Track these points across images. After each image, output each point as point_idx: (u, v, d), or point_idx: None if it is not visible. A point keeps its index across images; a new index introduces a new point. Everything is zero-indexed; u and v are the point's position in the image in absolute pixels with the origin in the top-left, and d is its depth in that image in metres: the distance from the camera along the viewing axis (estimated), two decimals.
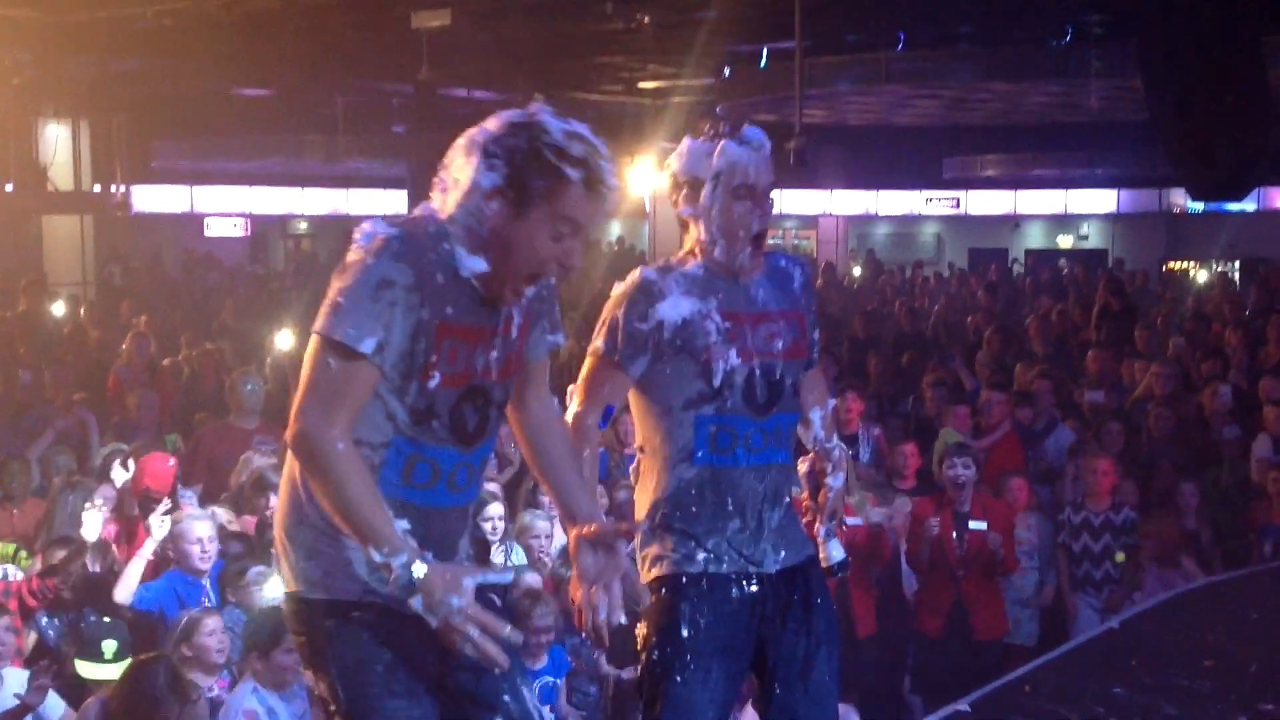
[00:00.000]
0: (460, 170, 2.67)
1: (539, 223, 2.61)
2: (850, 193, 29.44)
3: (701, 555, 3.20)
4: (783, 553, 3.28)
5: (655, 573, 3.24)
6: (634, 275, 3.27)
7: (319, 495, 2.57)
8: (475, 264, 2.64)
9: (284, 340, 10.66)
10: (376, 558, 2.49)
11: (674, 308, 3.17)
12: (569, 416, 3.20)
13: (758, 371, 3.20)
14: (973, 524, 6.45)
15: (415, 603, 2.48)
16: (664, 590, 3.22)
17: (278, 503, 2.80)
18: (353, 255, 2.61)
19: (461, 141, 2.70)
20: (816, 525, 3.50)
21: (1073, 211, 30.58)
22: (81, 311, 14.46)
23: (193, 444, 7.78)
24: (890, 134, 24.56)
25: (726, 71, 18.46)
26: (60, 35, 13.98)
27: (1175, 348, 10.37)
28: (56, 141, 17.59)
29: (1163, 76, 9.10)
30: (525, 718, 2.82)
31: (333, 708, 2.71)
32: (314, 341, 2.59)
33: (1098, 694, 4.88)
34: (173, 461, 6.49)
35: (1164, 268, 26.10)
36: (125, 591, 5.33)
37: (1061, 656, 5.57)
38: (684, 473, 3.22)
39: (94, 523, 5.56)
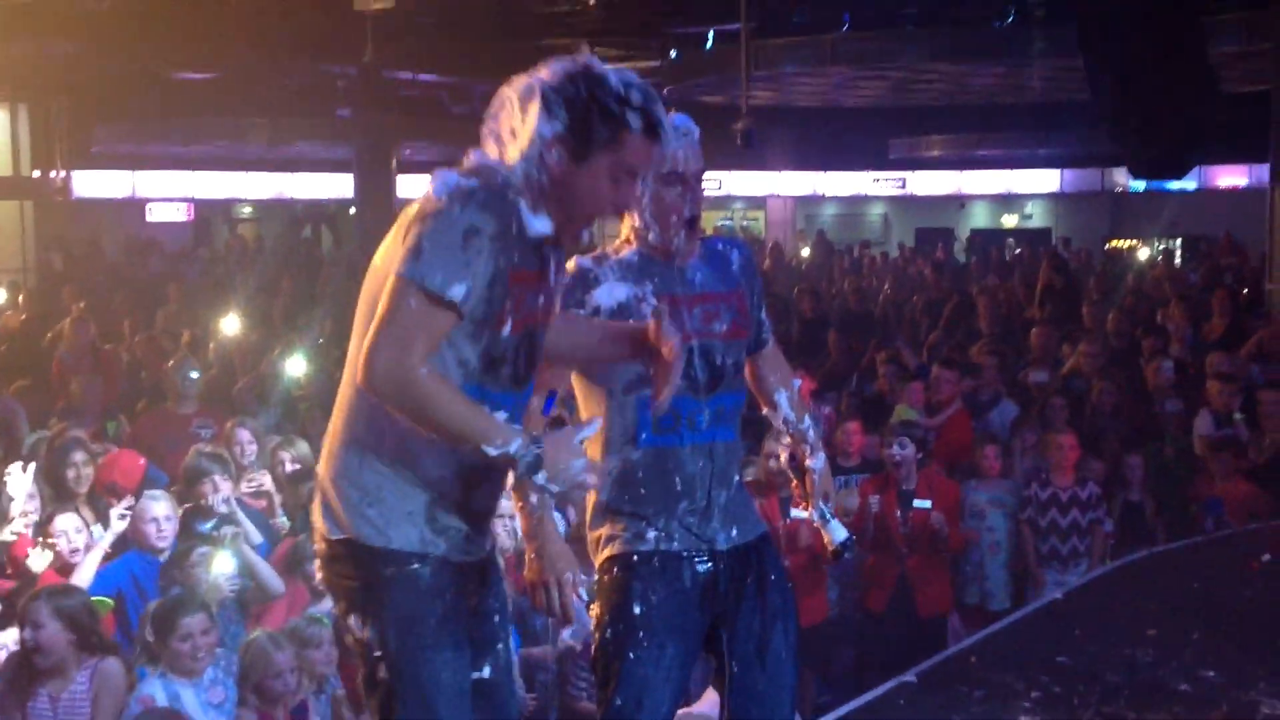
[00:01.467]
0: (516, 120, 2.72)
1: (600, 169, 2.70)
2: (798, 173, 29.52)
3: (652, 534, 3.21)
4: (734, 530, 3.28)
5: (607, 552, 3.25)
6: (569, 264, 3.24)
7: (414, 421, 2.62)
8: (541, 225, 2.72)
9: (229, 325, 10.58)
10: (493, 452, 2.60)
11: (609, 293, 3.20)
12: None
13: (697, 353, 3.21)
14: (917, 503, 6.51)
15: (539, 478, 2.62)
16: (616, 569, 3.22)
17: (326, 449, 2.82)
18: (433, 204, 2.64)
19: (512, 91, 2.74)
20: (809, 512, 3.47)
21: (1017, 191, 30.86)
22: (20, 299, 14.25)
23: (132, 431, 7.73)
24: (837, 115, 24.66)
25: (673, 54, 18.48)
26: None
27: (1113, 323, 10.51)
28: None
29: (1103, 56, 9.20)
30: (508, 669, 2.97)
31: (377, 654, 2.75)
32: (395, 283, 2.61)
33: (1043, 663, 4.95)
34: (143, 460, 6.46)
35: (1106, 246, 26.39)
36: (81, 581, 5.30)
37: (1007, 627, 5.64)
38: (629, 454, 3.23)
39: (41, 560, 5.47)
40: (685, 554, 3.22)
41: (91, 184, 23.76)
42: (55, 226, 21.59)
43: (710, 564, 3.25)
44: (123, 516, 5.58)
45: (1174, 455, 7.83)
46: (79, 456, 6.06)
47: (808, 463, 3.45)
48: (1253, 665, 4.96)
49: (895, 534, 6.47)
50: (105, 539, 5.50)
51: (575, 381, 3.31)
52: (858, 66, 17.89)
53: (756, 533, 3.35)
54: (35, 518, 5.64)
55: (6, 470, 5.60)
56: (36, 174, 18.07)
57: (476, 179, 2.68)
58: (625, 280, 3.22)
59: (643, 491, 3.22)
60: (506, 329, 2.70)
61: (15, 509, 5.46)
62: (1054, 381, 9.01)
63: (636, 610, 3.17)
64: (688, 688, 3.50)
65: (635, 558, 3.21)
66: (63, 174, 18.41)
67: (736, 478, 3.34)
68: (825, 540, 3.49)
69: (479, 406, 2.65)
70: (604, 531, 3.27)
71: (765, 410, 3.50)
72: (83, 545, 5.45)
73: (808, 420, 3.49)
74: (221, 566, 5.27)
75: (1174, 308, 10.60)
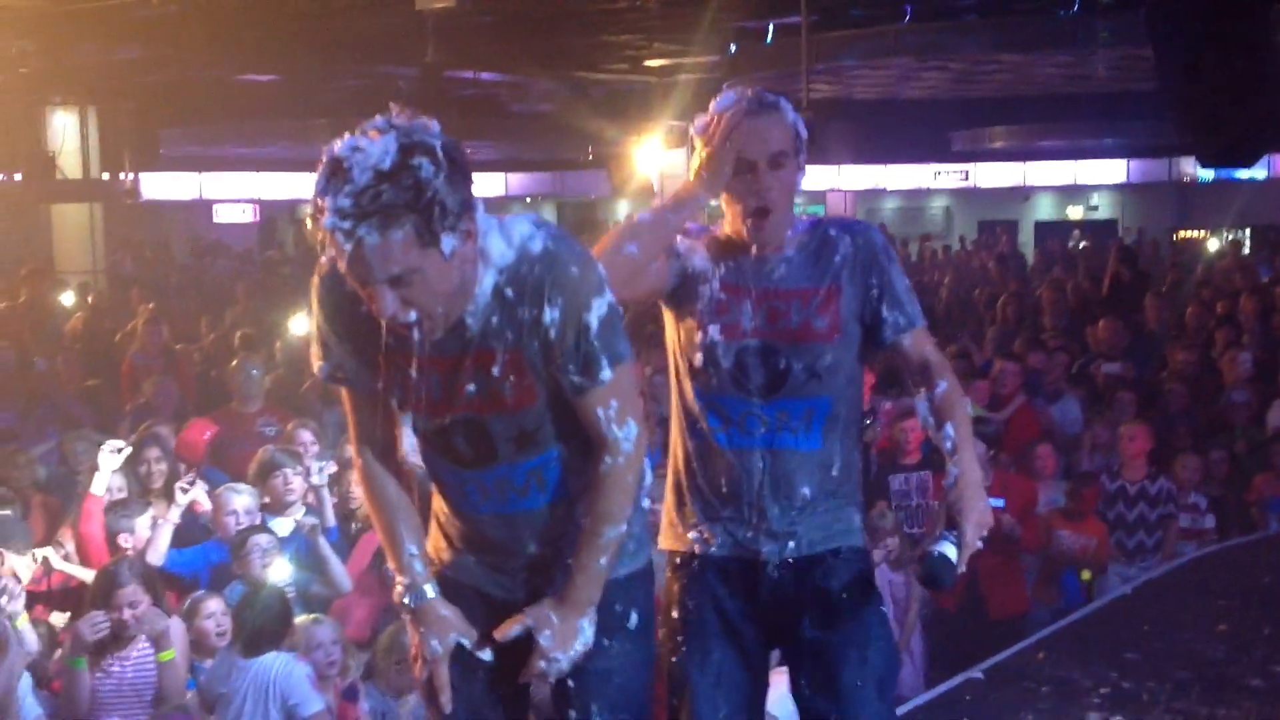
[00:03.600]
0: None
1: None
2: (858, 167, 29.37)
3: (693, 535, 3.06)
4: (791, 543, 3.00)
5: (661, 545, 3.15)
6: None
7: None
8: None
9: (298, 325, 10.68)
10: (389, 574, 2.72)
11: (694, 256, 3.03)
12: None
13: (751, 352, 2.96)
14: (990, 501, 6.41)
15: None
16: (666, 568, 3.13)
17: None
18: None
19: None
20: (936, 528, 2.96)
21: (1082, 182, 30.52)
22: (89, 299, 14.48)
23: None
24: (898, 108, 24.49)
25: (733, 48, 18.41)
26: (66, 23, 13.99)
27: (1192, 318, 10.37)
28: (64, 130, 17.63)
29: (1170, 44, 9.06)
30: None
31: None
32: None
33: (1111, 659, 4.91)
34: (208, 434, 6.62)
35: (1174, 237, 26.03)
36: (156, 554, 5.53)
37: (1075, 623, 5.59)
38: (685, 443, 3.08)
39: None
40: (727, 559, 3.03)
41: (159, 186, 24.15)
42: (124, 229, 21.92)
43: (755, 573, 3.02)
44: (184, 490, 5.72)
45: (1246, 450, 7.71)
46: (153, 453, 6.20)
47: (946, 479, 2.98)
48: None
49: None
50: (173, 513, 5.68)
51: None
52: (919, 58, 17.73)
53: (823, 547, 3.02)
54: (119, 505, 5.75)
55: (109, 444, 5.77)
56: (105, 176, 18.33)
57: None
58: (705, 257, 3.04)
59: (694, 486, 3.07)
60: (395, 405, 2.56)
61: (99, 481, 5.61)
62: (1125, 371, 8.92)
63: (674, 613, 3.06)
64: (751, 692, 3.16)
65: (678, 559, 3.10)
66: (131, 176, 18.67)
67: (806, 489, 3.00)
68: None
69: (396, 530, 2.66)
70: (663, 521, 3.16)
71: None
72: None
73: (948, 428, 2.98)
74: (279, 574, 5.35)
75: (1245, 300, 10.45)
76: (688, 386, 3.05)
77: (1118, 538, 6.91)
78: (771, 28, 17.21)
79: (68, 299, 14.07)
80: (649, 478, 2.74)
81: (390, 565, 2.69)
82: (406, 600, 2.64)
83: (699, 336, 2.98)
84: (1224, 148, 9.38)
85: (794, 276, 2.99)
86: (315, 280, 2.53)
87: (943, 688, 4.81)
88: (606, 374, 2.50)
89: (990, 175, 30.06)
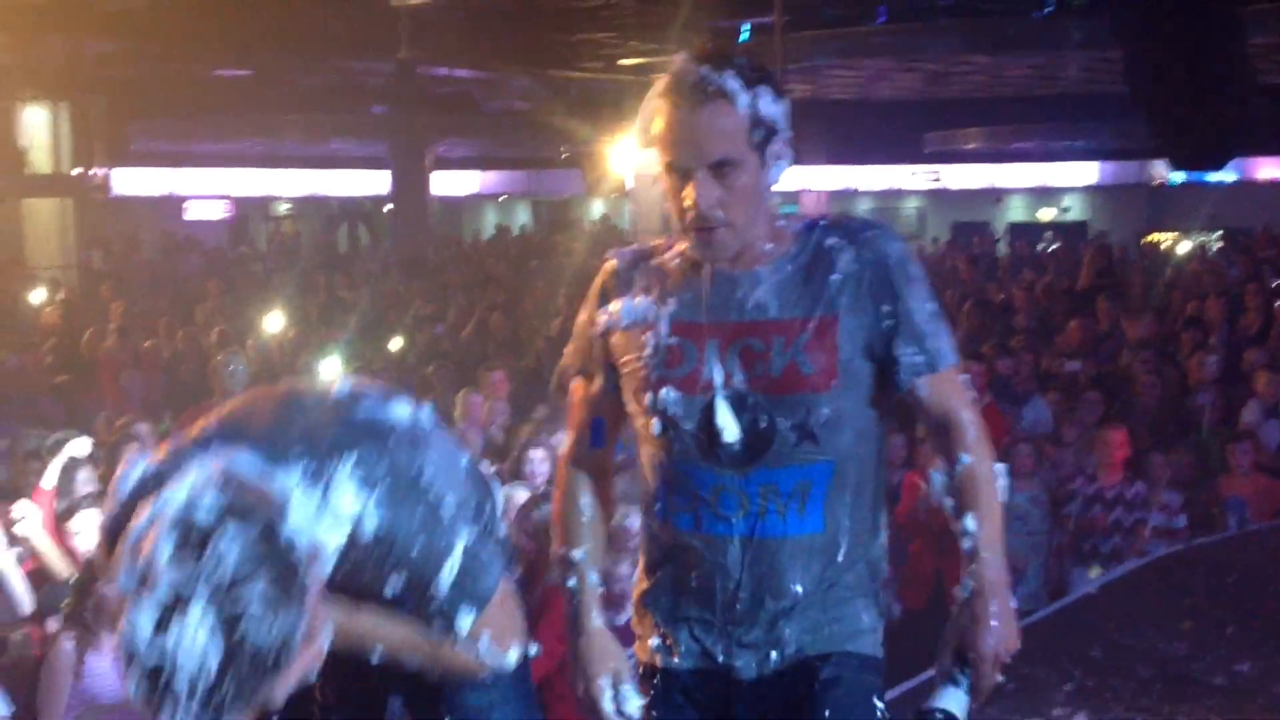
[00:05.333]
0: None
1: None
2: (831, 168, 29.41)
3: (655, 641, 2.45)
4: (772, 654, 2.34)
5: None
6: (606, 264, 2.50)
7: None
8: None
9: (273, 323, 10.67)
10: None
11: (627, 308, 2.39)
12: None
13: (723, 409, 2.27)
14: None
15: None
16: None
17: None
18: None
19: None
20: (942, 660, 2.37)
21: (1054, 184, 30.69)
22: (60, 296, 14.42)
23: (178, 427, 7.82)
24: (871, 109, 24.61)
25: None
26: (37, 17, 13.92)
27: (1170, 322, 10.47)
28: (35, 125, 17.53)
29: (1141, 47, 9.15)
30: None
31: None
32: None
33: (1076, 657, 4.94)
34: None
35: (1143, 240, 26.20)
36: None
37: (1040, 620, 5.63)
38: (650, 527, 2.46)
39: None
40: (693, 672, 2.41)
41: (130, 182, 24.00)
42: (95, 224, 21.79)
43: (726, 692, 2.38)
44: None
45: (1213, 450, 7.76)
46: (129, 451, 6.17)
47: (955, 588, 2.39)
48: None
49: (936, 526, 6.41)
50: None
51: None
52: (892, 59, 17.86)
53: (818, 651, 2.35)
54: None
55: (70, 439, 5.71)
56: (76, 172, 18.25)
57: None
58: (649, 292, 2.37)
59: (658, 578, 2.45)
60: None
61: (48, 475, 5.50)
62: (1088, 369, 8.98)
63: None
64: None
65: (641, 670, 2.48)
66: (102, 172, 18.59)
67: (799, 586, 2.32)
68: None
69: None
70: (633, 621, 2.55)
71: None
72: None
73: (968, 521, 2.33)
74: None
75: (1211, 302, 10.54)
76: (645, 457, 2.42)
77: (1092, 542, 6.93)
78: (746, 27, 17.28)
79: (38, 295, 14.00)
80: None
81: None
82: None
83: (647, 398, 2.33)
84: (1194, 150, 9.49)
85: (778, 301, 2.29)
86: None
87: (908, 684, 4.83)
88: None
89: (962, 177, 30.19)
